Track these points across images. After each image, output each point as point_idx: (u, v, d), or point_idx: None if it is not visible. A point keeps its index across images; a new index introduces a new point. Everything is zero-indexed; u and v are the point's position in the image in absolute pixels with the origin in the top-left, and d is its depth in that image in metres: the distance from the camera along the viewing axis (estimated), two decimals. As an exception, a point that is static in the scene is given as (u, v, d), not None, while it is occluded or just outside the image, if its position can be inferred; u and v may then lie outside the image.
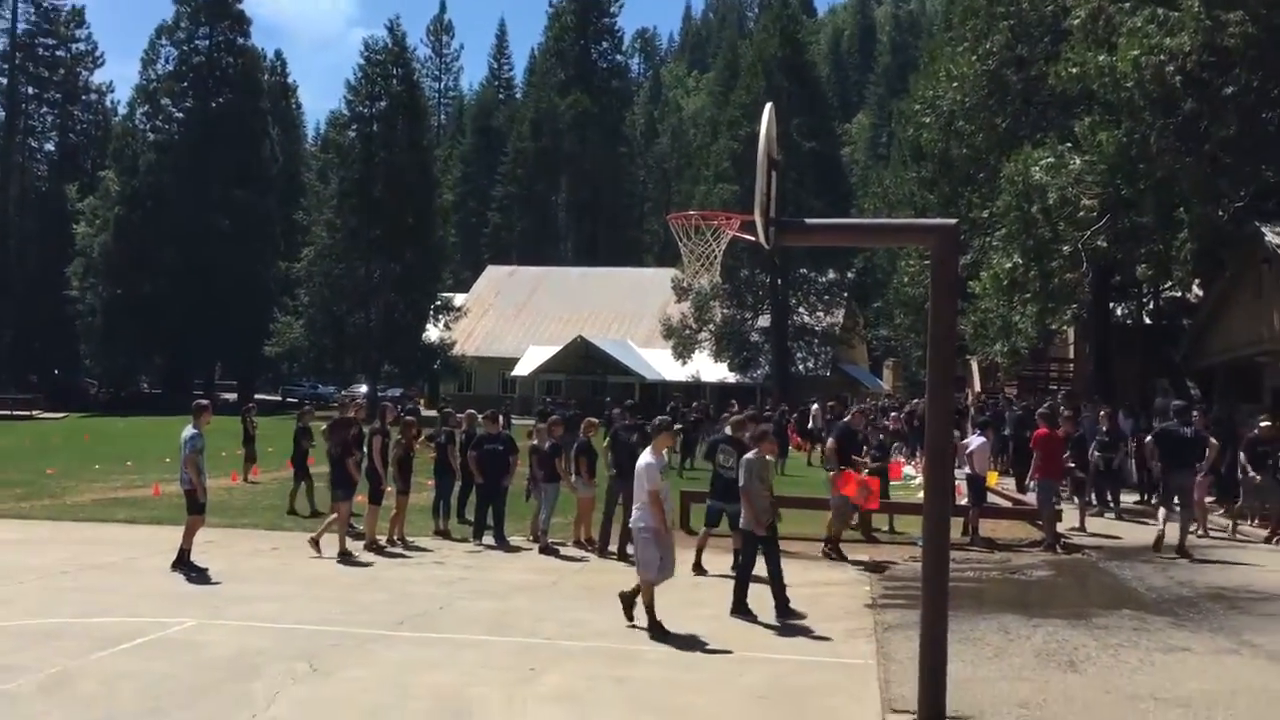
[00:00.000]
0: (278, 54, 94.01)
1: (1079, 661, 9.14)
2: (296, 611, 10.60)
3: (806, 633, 10.17)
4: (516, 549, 14.83)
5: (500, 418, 17.47)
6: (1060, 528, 16.14)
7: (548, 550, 14.63)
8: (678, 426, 27.42)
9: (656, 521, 9.94)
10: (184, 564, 12.52)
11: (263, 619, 10.26)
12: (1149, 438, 16.87)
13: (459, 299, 67.27)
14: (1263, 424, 16.55)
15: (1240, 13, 17.50)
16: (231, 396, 64.57)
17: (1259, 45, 17.57)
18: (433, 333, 62.31)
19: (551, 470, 15.06)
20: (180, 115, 69.20)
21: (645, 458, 10.28)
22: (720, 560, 13.39)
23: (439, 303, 62.43)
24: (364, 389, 58.40)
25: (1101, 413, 20.69)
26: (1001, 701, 7.95)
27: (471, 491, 15.97)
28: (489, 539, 15.13)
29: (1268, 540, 16.13)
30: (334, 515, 14.26)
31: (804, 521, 17.43)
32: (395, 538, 14.92)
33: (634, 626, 10.09)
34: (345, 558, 13.75)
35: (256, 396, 55.74)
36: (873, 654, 9.36)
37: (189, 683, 8.13)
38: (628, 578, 12.85)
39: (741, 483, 10.88)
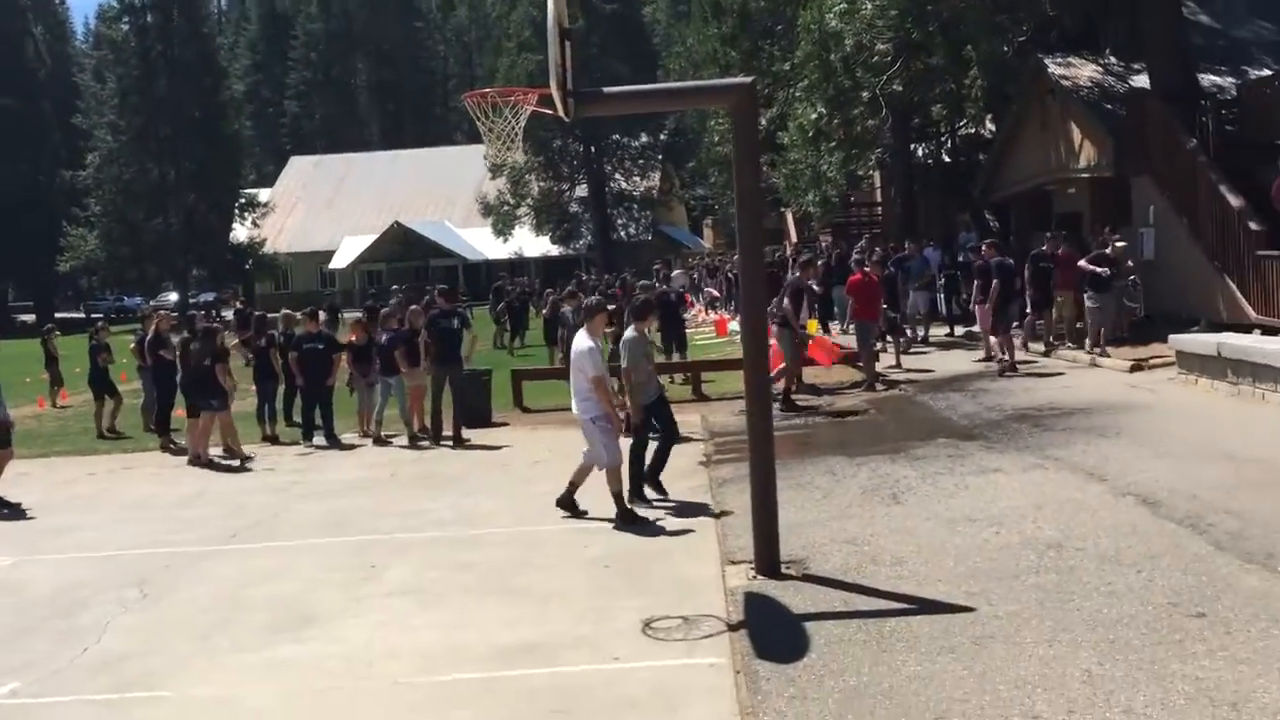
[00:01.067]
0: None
1: (901, 493, 9.62)
2: (121, 537, 10.24)
3: (647, 498, 10.38)
4: (349, 446, 14.63)
5: (321, 314, 17.00)
6: (878, 366, 16.82)
7: (381, 442, 14.50)
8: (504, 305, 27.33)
9: (606, 406, 9.44)
10: (-6, 502, 11.91)
11: (86, 549, 9.87)
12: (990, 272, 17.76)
13: (264, 194, 64.66)
14: (1117, 244, 17.39)
15: None
16: (30, 318, 61.01)
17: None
18: (241, 232, 59.94)
19: (388, 362, 14.72)
20: (-75, 19, 63.56)
21: (583, 341, 9.59)
22: (552, 437, 13.54)
23: (243, 200, 60.00)
24: (174, 297, 55.98)
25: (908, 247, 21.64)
26: (832, 540, 8.33)
27: (296, 393, 15.59)
28: (319, 439, 14.87)
29: (1090, 351, 17.05)
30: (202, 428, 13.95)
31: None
32: (225, 447, 14.51)
33: (570, 517, 9.76)
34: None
35: (57, 315, 52.82)
36: (710, 510, 9.65)
37: (10, 624, 7.79)
38: (465, 464, 12.89)
39: (624, 364, 10.09)
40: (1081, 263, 17.01)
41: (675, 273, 34.32)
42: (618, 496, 9.56)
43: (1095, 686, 5.36)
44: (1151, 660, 5.64)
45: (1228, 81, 20.29)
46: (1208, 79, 20.25)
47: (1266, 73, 19.61)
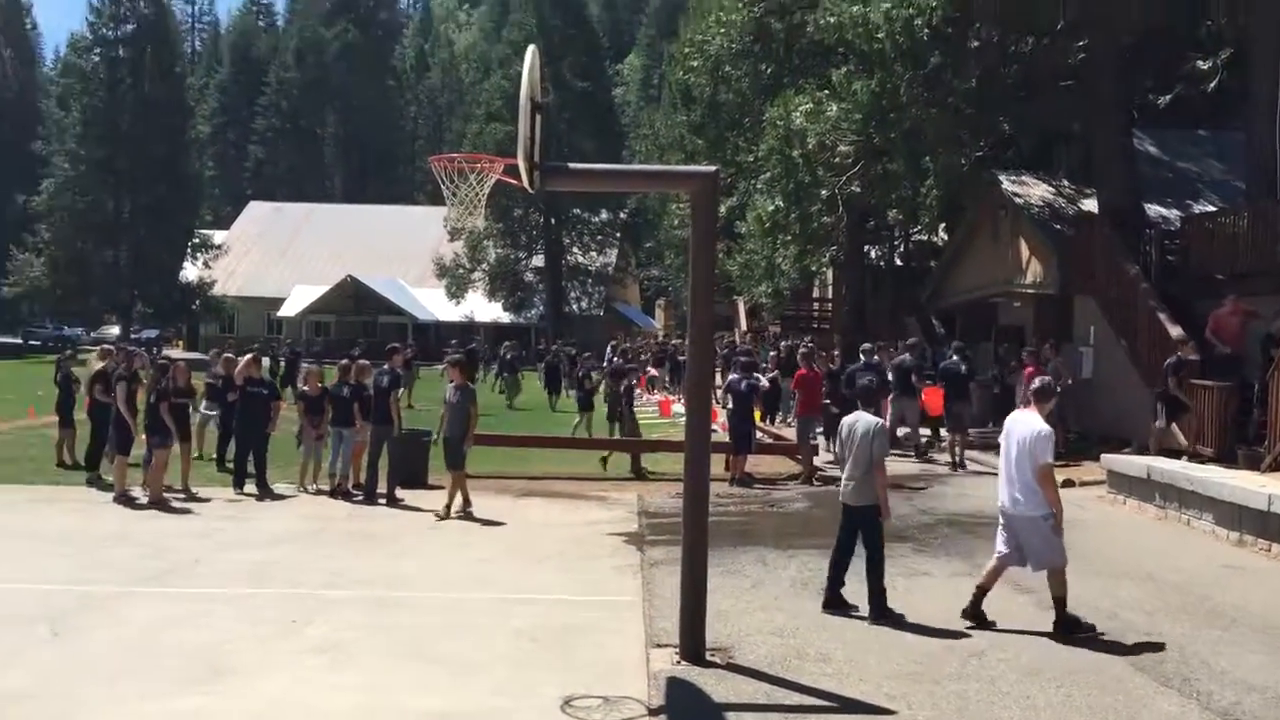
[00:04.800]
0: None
1: (829, 589, 9.63)
2: (37, 570, 9.98)
3: (576, 572, 10.33)
4: (281, 496, 14.41)
5: (279, 361, 16.82)
6: (816, 461, 16.93)
7: (343, 493, 14.49)
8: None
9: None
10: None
11: (-2, 581, 9.61)
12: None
13: (219, 236, 64.27)
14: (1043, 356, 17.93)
15: (983, -30, 18.51)
16: (-35, 341, 59.72)
17: (998, 2, 18.60)
18: (191, 271, 59.36)
19: (348, 414, 14.61)
20: (-107, 33, 62.95)
21: (1035, 423, 8.27)
22: (487, 504, 13.47)
23: (197, 240, 59.48)
24: (115, 331, 55.14)
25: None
26: (758, 630, 8.31)
27: (231, 439, 15.38)
28: (251, 487, 14.64)
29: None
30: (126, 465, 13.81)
31: (574, 461, 17.69)
32: (178, 488, 14.29)
33: (976, 627, 8.47)
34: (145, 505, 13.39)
35: (-8, 340, 51.81)
36: (638, 590, 9.60)
37: (-89, 654, 7.54)
38: (398, 524, 12.74)
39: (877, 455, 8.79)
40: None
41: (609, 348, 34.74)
42: (1060, 602, 8.31)
43: (1006, 798, 5.38)
44: (1063, 775, 5.67)
45: (1172, 213, 20.96)
46: (1154, 209, 20.92)
47: (1210, 208, 20.28)
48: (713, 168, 8.29)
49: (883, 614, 8.63)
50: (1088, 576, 10.20)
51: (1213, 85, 21.13)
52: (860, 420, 8.91)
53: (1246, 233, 17.00)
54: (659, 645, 7.94)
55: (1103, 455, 15.51)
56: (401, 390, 16.25)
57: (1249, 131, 18.08)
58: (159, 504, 13.46)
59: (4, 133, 63.98)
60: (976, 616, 8.51)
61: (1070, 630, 8.21)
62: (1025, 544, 8.39)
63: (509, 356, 32.66)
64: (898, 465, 18.01)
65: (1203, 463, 14.33)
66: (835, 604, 8.89)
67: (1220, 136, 23.19)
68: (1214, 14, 20.59)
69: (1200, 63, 21.28)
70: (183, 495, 14.06)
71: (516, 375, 31.72)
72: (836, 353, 22.44)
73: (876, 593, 8.72)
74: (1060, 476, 15.94)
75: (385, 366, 14.99)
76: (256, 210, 72.68)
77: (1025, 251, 21.88)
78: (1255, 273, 16.54)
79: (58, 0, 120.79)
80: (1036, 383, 8.90)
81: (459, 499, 13.09)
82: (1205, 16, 20.84)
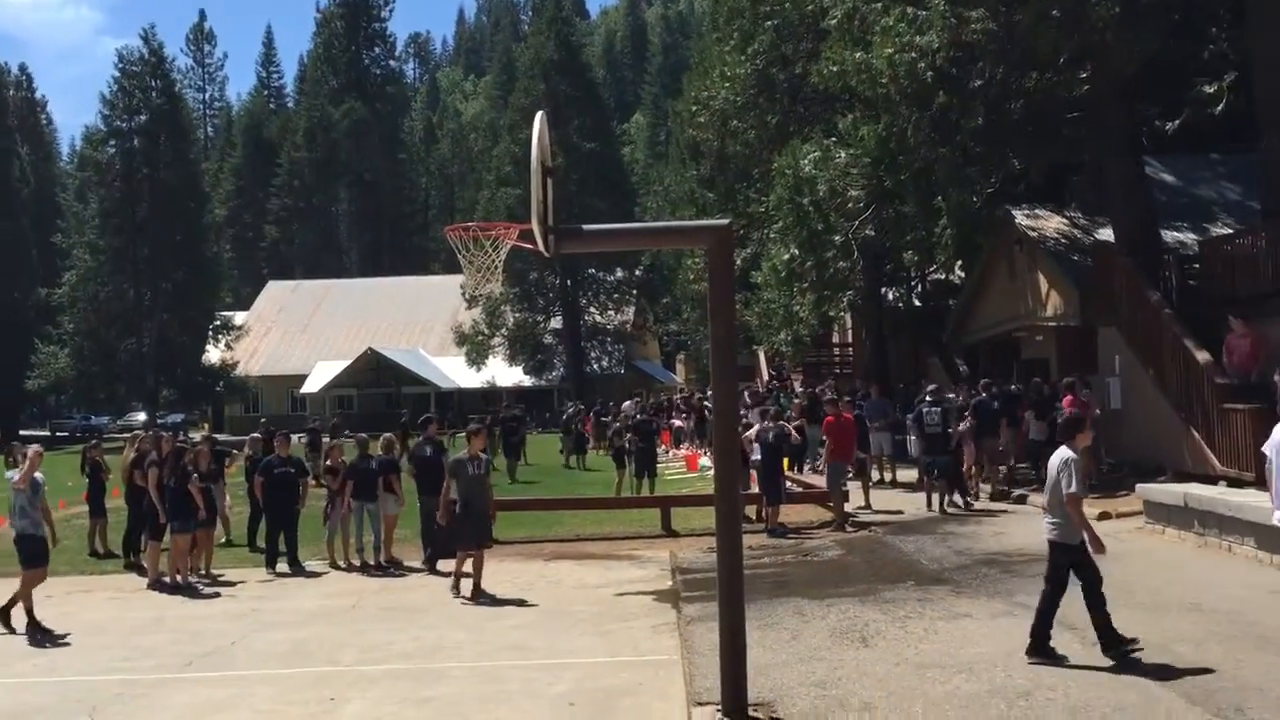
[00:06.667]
0: (22, 68, 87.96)
1: (870, 636, 9.53)
2: (76, 662, 9.97)
3: (613, 633, 10.24)
4: (313, 574, 14.38)
5: (320, 437, 16.78)
6: (847, 507, 16.82)
7: (394, 562, 14.47)
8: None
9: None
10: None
11: (40, 673, 9.60)
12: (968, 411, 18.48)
13: (239, 317, 64.88)
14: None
15: (982, 10, 18.57)
16: (-7, 435, 60.12)
17: (999, 40, 18.67)
18: (214, 354, 59.86)
19: (373, 487, 14.61)
20: (-85, 136, 64.25)
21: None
22: (519, 569, 13.38)
23: (218, 322, 60.07)
24: (142, 416, 55.52)
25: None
26: (800, 683, 8.21)
27: (261, 518, 15.40)
28: (283, 566, 14.62)
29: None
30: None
31: (602, 521, 17.63)
32: (201, 571, 14.28)
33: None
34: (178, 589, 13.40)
35: (22, 433, 52.15)
36: (676, 649, 9.51)
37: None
38: (432, 595, 12.68)
39: (1074, 488, 8.45)
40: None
41: (626, 404, 34.26)
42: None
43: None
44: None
45: (1189, 238, 20.88)
46: (1170, 235, 20.85)
47: (1228, 230, 20.20)
48: (726, 221, 8.33)
49: (1113, 642, 8.34)
50: (1132, 609, 10.04)
51: (1220, 108, 21.12)
52: (1055, 456, 8.72)
53: (1265, 252, 16.92)
54: (700, 703, 7.84)
55: (1138, 485, 15.33)
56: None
57: (1260, 151, 18.05)
58: (185, 588, 13.45)
59: (23, 228, 64.87)
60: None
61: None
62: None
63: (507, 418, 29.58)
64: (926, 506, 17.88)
65: (1240, 487, 14.15)
66: (1041, 652, 8.56)
67: (1233, 159, 23.16)
68: (1215, 38, 20.68)
69: (1206, 87, 21.29)
70: (207, 580, 14.04)
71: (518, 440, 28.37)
72: (850, 398, 22.33)
73: (1103, 624, 8.42)
74: (1096, 509, 15.85)
75: (422, 437, 15.06)
76: (275, 290, 73.39)
77: (1044, 284, 21.82)
78: (1276, 293, 16.44)
79: (72, 95, 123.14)
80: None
81: (498, 578, 12.62)
82: (1206, 41, 20.90)
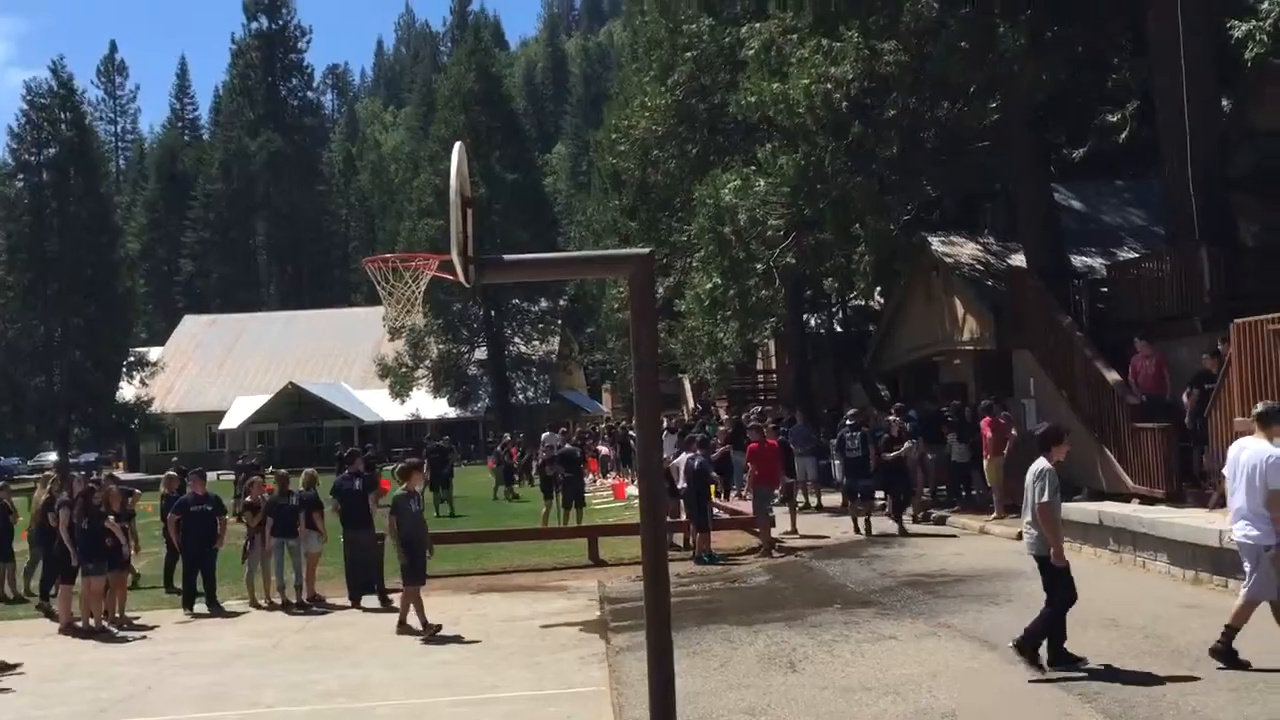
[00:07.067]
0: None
1: (798, 661, 9.58)
2: (-18, 713, 9.63)
3: (542, 666, 10.16)
4: (233, 614, 14.07)
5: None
6: (774, 532, 16.91)
7: (316, 600, 14.22)
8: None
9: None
10: None
11: (-59, 727, 9.26)
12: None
13: (154, 353, 63.49)
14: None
15: (894, 42, 19.00)
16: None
17: (911, 71, 19.10)
18: (128, 391, 58.44)
19: (294, 524, 14.35)
20: None
21: (1268, 448, 8.23)
22: (446, 602, 13.23)
23: (132, 359, 58.69)
24: (53, 456, 54.00)
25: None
26: (730, 710, 8.22)
27: (178, 558, 15.05)
28: (201, 607, 14.28)
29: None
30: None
31: (529, 552, 17.52)
32: (116, 614, 13.86)
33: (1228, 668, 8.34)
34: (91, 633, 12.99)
35: (-76, 476, 50.39)
36: (605, 680, 9.47)
37: None
38: (357, 633, 12.48)
39: (1045, 498, 8.63)
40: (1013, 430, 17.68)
41: (545, 434, 33.74)
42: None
43: None
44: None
45: (1098, 263, 21.47)
46: (1080, 260, 21.42)
47: (1134, 255, 20.80)
48: (647, 250, 8.36)
49: (1035, 659, 8.51)
50: (1052, 627, 10.22)
51: (1124, 136, 21.80)
52: (1031, 468, 8.79)
53: (1170, 276, 17.45)
54: (631, 734, 7.81)
55: (1054, 504, 15.63)
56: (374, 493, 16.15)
57: (1162, 177, 18.63)
58: (99, 632, 13.08)
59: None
60: (1227, 655, 8.42)
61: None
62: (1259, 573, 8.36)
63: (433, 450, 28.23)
64: (852, 529, 18.04)
65: (1153, 505, 14.51)
66: (1064, 659, 8.66)
67: (1138, 186, 23.92)
68: (1118, 69, 21.35)
69: (1110, 116, 21.96)
70: (122, 623, 13.64)
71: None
72: (775, 424, 22.55)
73: (1035, 635, 8.59)
74: (1014, 529, 16.12)
75: (347, 471, 14.88)
76: (191, 324, 72.01)
77: (960, 309, 22.26)
78: (1181, 315, 16.95)
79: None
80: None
81: (413, 613, 12.21)
82: (1110, 71, 21.57)
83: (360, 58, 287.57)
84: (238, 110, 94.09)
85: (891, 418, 19.40)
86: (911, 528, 17.52)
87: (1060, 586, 8.69)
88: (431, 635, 11.69)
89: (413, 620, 12.01)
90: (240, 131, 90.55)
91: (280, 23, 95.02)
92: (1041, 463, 8.72)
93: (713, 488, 18.40)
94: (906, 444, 18.24)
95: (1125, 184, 24.63)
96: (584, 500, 21.31)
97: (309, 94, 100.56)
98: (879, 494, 18.47)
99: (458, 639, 11.58)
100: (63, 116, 57.26)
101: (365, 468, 16.38)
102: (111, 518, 13.54)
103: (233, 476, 24.44)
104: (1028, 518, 8.78)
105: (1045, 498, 8.51)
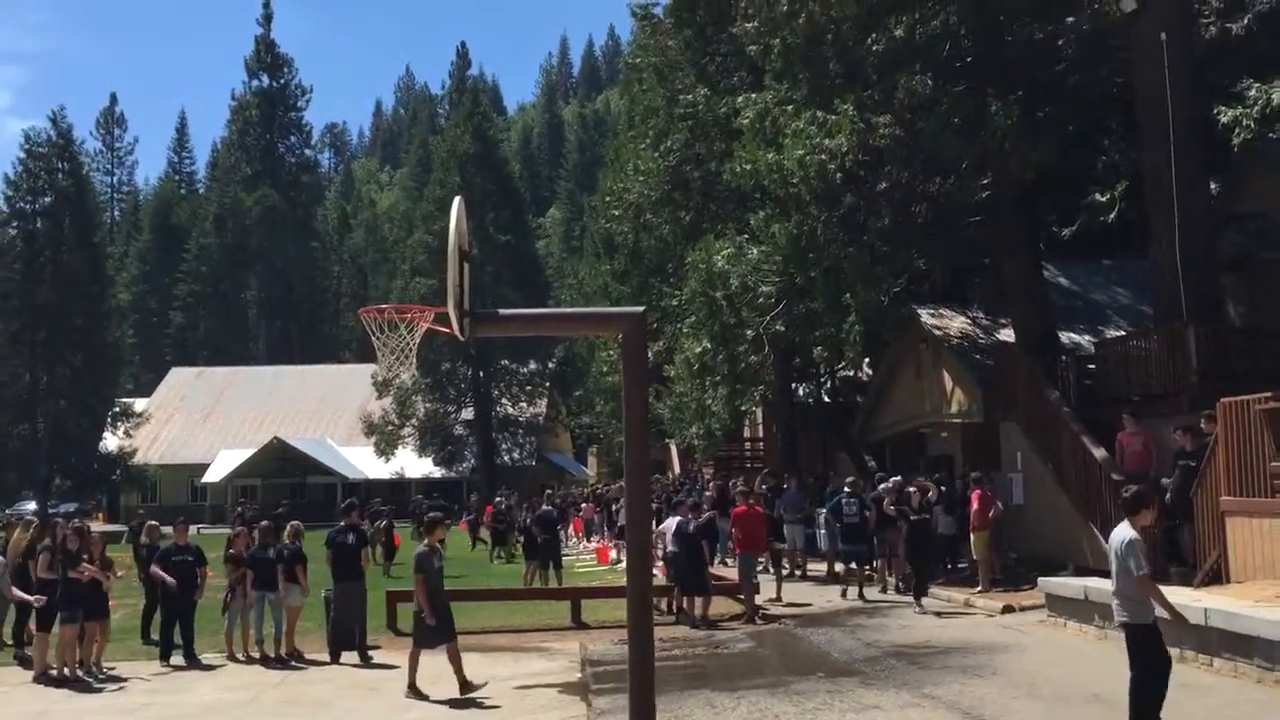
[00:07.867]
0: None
1: (780, 729, 9.49)
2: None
3: (519, 727, 10.05)
4: (210, 667, 13.88)
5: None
6: (758, 599, 16.81)
7: (295, 654, 14.04)
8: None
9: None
10: None
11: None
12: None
13: (140, 404, 63.19)
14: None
15: (888, 116, 19.33)
16: None
17: (905, 145, 19.41)
18: (111, 441, 58.11)
19: (275, 577, 14.20)
20: None
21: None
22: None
23: (117, 409, 58.44)
24: (32, 505, 53.46)
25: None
26: (710, 776, 8.12)
27: (156, 609, 14.87)
28: (178, 658, 14.09)
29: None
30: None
31: (511, 613, 17.38)
32: (93, 663, 13.64)
33: None
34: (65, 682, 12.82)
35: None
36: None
37: None
38: (335, 688, 12.32)
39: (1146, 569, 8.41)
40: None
41: (498, 497, 33.37)
42: None
43: None
44: None
45: (1086, 339, 21.62)
46: (1068, 336, 21.58)
47: (1121, 333, 20.96)
48: (640, 308, 8.44)
49: None
50: (1035, 699, 10.19)
51: (1112, 216, 22.08)
52: (1115, 535, 8.51)
53: (1157, 354, 17.57)
54: (610, 797, 7.71)
55: (1040, 579, 15.60)
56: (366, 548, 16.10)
57: (1150, 257, 18.84)
58: (73, 682, 12.88)
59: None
60: None
61: None
62: None
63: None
64: (838, 599, 17.96)
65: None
66: None
67: (1125, 266, 24.14)
68: (1108, 150, 21.69)
69: (1099, 195, 22.27)
70: (99, 673, 13.44)
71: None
72: (766, 488, 22.56)
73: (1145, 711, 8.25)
74: (999, 602, 16.07)
75: (342, 524, 14.81)
76: (178, 376, 71.81)
77: (949, 382, 22.35)
78: (1168, 393, 17.04)
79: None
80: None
81: (420, 672, 11.84)
82: (1100, 152, 21.91)
83: (359, 118, 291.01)
84: (235, 165, 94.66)
85: (919, 479, 19.51)
86: (922, 605, 17.11)
87: (1155, 654, 8.40)
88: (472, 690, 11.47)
89: (421, 681, 11.69)
90: (236, 186, 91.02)
91: (281, 81, 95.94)
92: (1129, 531, 8.38)
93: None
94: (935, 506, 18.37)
95: (1113, 263, 24.89)
96: (560, 562, 21.33)
97: (306, 151, 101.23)
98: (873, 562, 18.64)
99: (436, 699, 11.44)
100: (60, 166, 57.68)
101: (361, 518, 16.33)
102: (85, 562, 13.35)
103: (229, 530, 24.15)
104: (1115, 586, 8.44)
105: (1145, 569, 8.18)
